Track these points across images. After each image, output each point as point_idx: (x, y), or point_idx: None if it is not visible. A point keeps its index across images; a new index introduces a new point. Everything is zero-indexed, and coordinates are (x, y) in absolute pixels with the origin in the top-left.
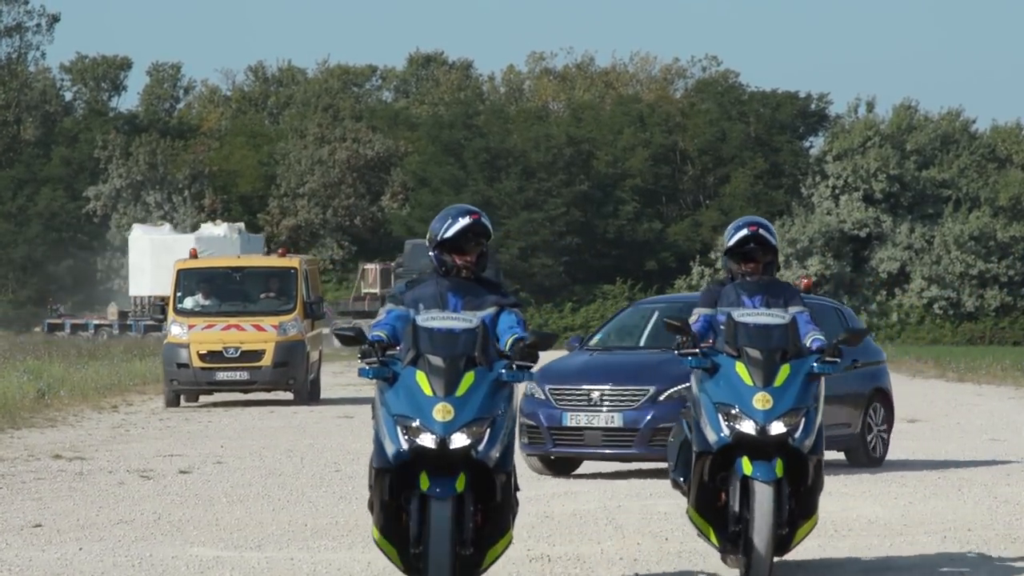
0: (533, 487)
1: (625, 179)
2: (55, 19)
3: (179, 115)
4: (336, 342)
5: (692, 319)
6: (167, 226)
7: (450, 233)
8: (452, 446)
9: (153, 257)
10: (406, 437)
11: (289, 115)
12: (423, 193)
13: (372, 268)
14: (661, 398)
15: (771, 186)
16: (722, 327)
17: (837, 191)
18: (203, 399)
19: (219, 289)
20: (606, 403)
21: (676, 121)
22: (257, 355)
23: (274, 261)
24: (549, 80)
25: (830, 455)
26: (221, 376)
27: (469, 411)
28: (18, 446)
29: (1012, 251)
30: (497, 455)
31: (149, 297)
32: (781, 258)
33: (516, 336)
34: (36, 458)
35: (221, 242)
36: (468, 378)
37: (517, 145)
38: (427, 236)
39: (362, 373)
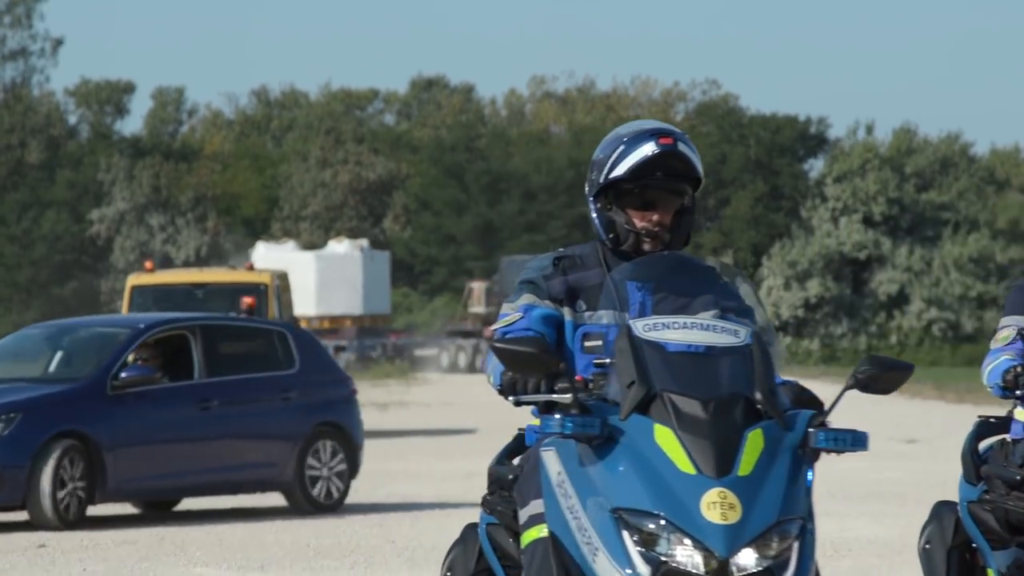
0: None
1: None
2: (59, 43)
3: (182, 138)
4: (492, 373)
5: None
6: (291, 243)
7: (624, 168)
8: (739, 574)
9: None
10: (645, 553)
11: (292, 138)
12: (425, 216)
13: (478, 286)
14: None
15: (771, 208)
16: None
17: (837, 213)
18: None
19: (178, 308)
20: None
21: None
22: None
23: (241, 276)
24: (550, 103)
25: None
26: None
27: (766, 508)
28: None
29: (1011, 273)
30: None
31: None
32: (780, 280)
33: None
34: None
35: (342, 260)
36: (754, 442)
37: (518, 168)
38: (587, 175)
39: (548, 427)
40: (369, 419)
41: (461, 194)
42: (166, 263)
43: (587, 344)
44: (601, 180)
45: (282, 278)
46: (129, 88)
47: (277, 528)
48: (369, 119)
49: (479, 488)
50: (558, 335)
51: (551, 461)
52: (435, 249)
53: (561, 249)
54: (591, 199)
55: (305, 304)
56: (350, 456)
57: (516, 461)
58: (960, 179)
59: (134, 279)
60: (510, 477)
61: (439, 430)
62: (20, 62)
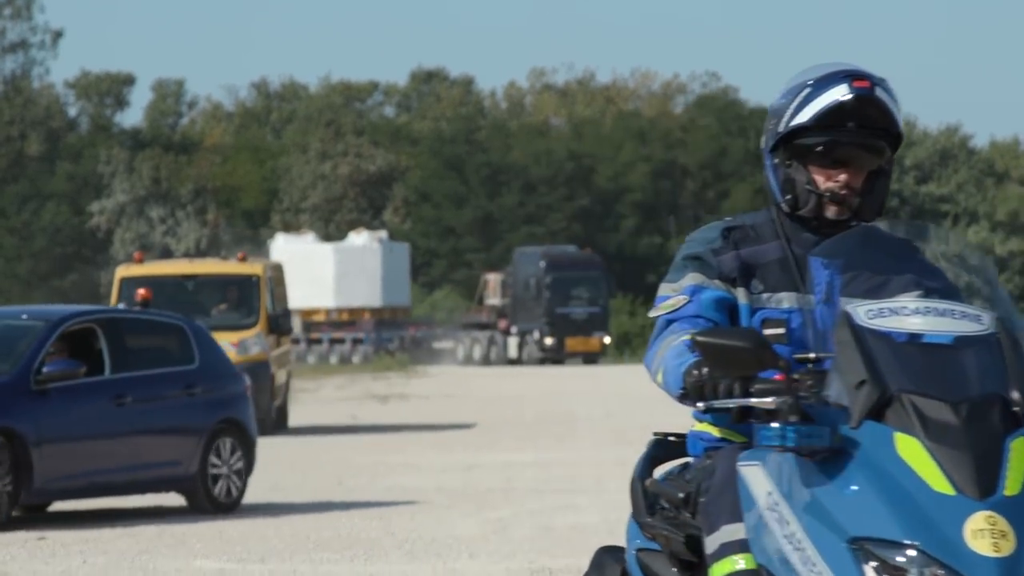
0: (534, 500)
1: (625, 194)
2: (59, 35)
3: (182, 131)
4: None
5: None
6: (311, 235)
7: (809, 115)
8: None
9: (293, 268)
10: None
11: (292, 130)
12: (425, 208)
13: (493, 278)
14: None
15: (771, 201)
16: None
17: None
18: None
19: (168, 300)
20: None
21: (676, 136)
22: None
23: (232, 267)
24: (550, 96)
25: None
26: None
27: None
28: None
29: (1010, 265)
30: None
31: (292, 309)
32: None
33: None
34: None
35: (361, 252)
36: (1020, 453)
37: (518, 160)
38: (764, 125)
39: (766, 439)
40: (369, 412)
41: (461, 186)
42: (166, 255)
43: (767, 332)
44: (781, 129)
45: (276, 270)
46: (129, 80)
47: (277, 521)
48: (369, 111)
49: (479, 481)
50: (730, 323)
51: (756, 479)
52: (435, 241)
53: (728, 218)
54: (767, 153)
55: (323, 296)
56: (247, 453)
57: (659, 472)
58: (959, 171)
59: (123, 270)
60: (680, 496)
61: (439, 422)
62: (20, 54)
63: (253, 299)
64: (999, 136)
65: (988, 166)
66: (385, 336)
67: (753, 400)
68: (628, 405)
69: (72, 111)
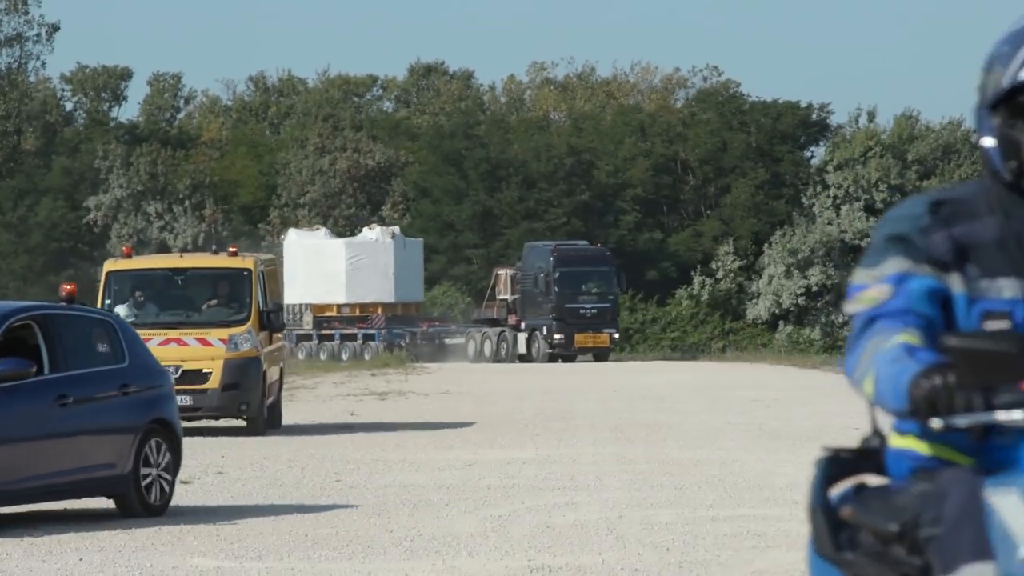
0: (534, 497)
1: (626, 189)
2: (55, 29)
3: (180, 125)
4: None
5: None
6: (322, 230)
7: None
8: None
9: (305, 263)
10: None
11: (290, 125)
12: (424, 203)
13: (504, 273)
14: None
15: (772, 196)
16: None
17: (838, 201)
18: None
19: (157, 295)
20: None
21: (677, 131)
22: (201, 376)
23: (223, 261)
24: (550, 90)
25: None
26: None
27: None
28: None
29: None
30: None
31: (300, 305)
32: (781, 268)
33: None
34: None
35: (373, 247)
36: None
37: (518, 155)
38: (979, 84)
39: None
40: (367, 409)
41: (460, 181)
42: (163, 250)
43: (989, 327)
44: (1005, 83)
45: (268, 264)
46: (126, 74)
47: (275, 518)
48: (367, 106)
49: (478, 477)
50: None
51: (1016, 511)
52: (433, 237)
53: (934, 190)
54: (985, 112)
55: (335, 292)
56: (175, 453)
57: (837, 491)
58: (963, 166)
59: (110, 265)
60: (894, 528)
61: (437, 419)
62: (16, 48)
63: (244, 294)
64: None
65: None
66: (396, 332)
67: (1016, 415)
68: (628, 402)
69: (68, 105)
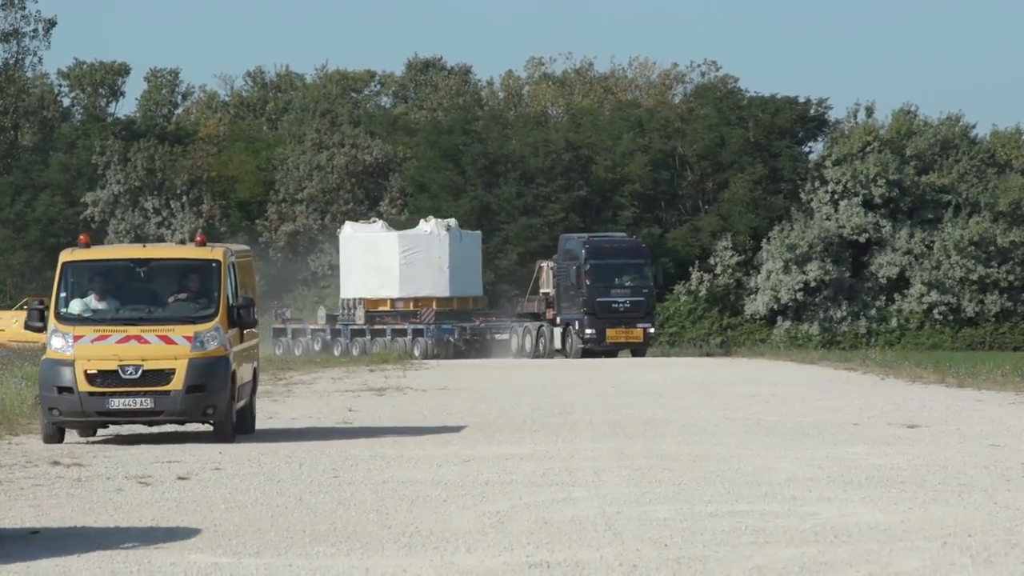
0: (532, 493)
1: (624, 184)
2: (52, 24)
3: (177, 121)
4: None
5: None
6: (379, 223)
7: None
8: None
9: (360, 257)
10: None
11: (287, 121)
12: (422, 199)
13: (545, 265)
14: None
15: (770, 191)
16: None
17: (836, 196)
18: (101, 431)
19: (117, 288)
20: None
21: (675, 126)
22: (164, 376)
23: (190, 252)
24: (548, 85)
25: None
26: (116, 404)
27: None
28: (16, 452)
29: (1012, 256)
30: None
31: (354, 300)
32: (779, 263)
33: None
34: (34, 464)
35: (426, 240)
36: None
37: (516, 150)
38: None
39: None
40: (365, 404)
41: (458, 177)
42: None
43: None
44: None
45: (241, 255)
46: (123, 70)
47: (272, 514)
48: (365, 101)
49: (475, 473)
50: None
51: None
52: None
53: None
54: None
55: (389, 286)
56: None
57: None
58: (961, 161)
59: (66, 255)
60: None
61: (435, 415)
62: (13, 44)
63: (212, 288)
64: (1001, 125)
65: (989, 156)
66: (445, 328)
67: None
68: (626, 397)
69: (66, 101)
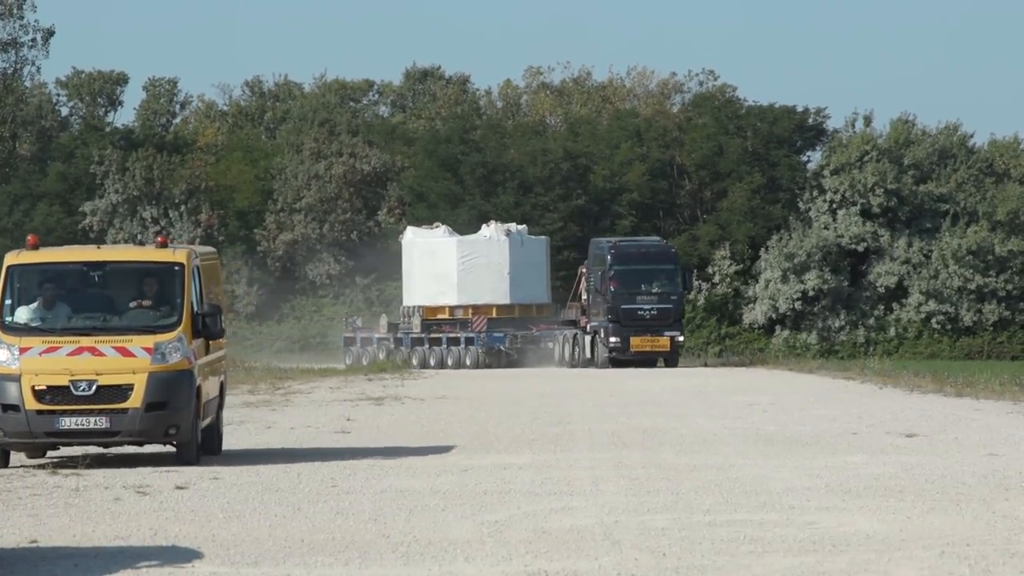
0: (530, 502)
1: (622, 193)
2: (50, 34)
3: (175, 130)
4: None
5: None
6: (442, 228)
7: None
8: None
9: (420, 263)
10: None
11: (286, 130)
12: (420, 208)
13: (585, 271)
14: None
15: (768, 200)
16: None
17: (834, 205)
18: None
19: (68, 294)
20: None
21: (673, 136)
22: (121, 393)
23: (150, 254)
24: (546, 95)
25: None
26: (67, 423)
27: None
28: (14, 461)
29: (1010, 265)
30: None
31: (413, 307)
32: (778, 272)
33: None
34: (32, 474)
35: (486, 245)
36: None
37: (514, 160)
38: None
39: None
40: (363, 413)
41: (456, 186)
42: None
43: None
44: None
45: (206, 258)
46: (121, 79)
47: (271, 524)
48: (364, 110)
49: (474, 483)
50: None
51: None
52: None
53: None
54: None
55: (447, 293)
56: None
57: None
58: (959, 170)
59: (11, 258)
60: None
61: (433, 424)
62: (11, 53)
63: (175, 294)
64: (999, 135)
65: (987, 165)
66: (496, 336)
67: None
68: (625, 407)
69: (64, 110)
